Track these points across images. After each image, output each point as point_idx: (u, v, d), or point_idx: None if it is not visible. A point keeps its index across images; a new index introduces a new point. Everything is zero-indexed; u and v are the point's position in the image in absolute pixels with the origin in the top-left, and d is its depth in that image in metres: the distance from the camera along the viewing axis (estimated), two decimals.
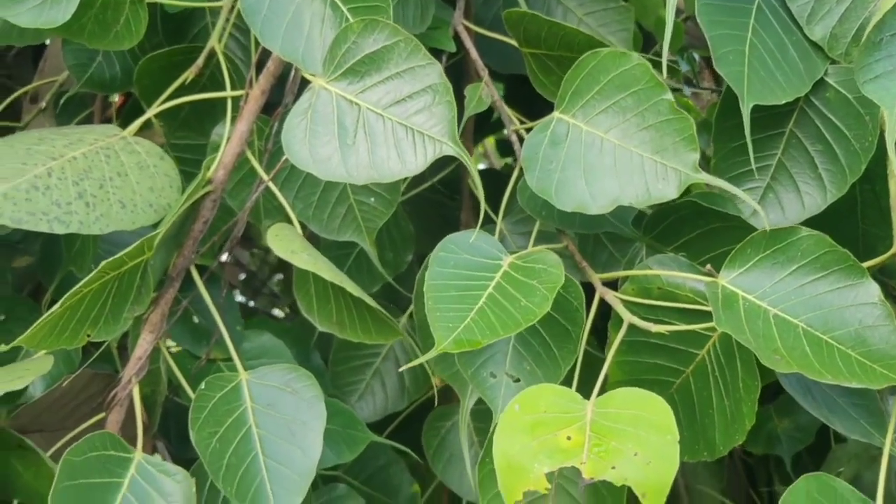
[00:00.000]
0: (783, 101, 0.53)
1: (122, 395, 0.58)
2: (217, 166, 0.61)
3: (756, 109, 0.53)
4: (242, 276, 1.58)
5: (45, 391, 0.62)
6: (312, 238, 0.65)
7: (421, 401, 0.85)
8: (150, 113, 0.63)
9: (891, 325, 0.46)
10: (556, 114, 0.55)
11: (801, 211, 0.56)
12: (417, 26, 0.64)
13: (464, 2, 0.69)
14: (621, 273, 0.57)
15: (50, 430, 0.63)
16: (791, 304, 0.47)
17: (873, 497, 0.45)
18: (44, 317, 0.46)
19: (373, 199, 0.65)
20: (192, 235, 0.60)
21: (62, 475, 0.48)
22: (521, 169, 0.63)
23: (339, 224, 0.65)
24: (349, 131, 0.51)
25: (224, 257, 0.69)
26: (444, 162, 0.87)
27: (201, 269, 0.64)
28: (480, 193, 0.52)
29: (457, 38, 0.68)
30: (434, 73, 0.50)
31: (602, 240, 0.67)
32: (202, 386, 0.55)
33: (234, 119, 0.63)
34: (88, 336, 0.51)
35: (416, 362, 0.48)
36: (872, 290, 0.47)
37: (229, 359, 0.69)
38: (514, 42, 0.65)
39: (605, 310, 0.56)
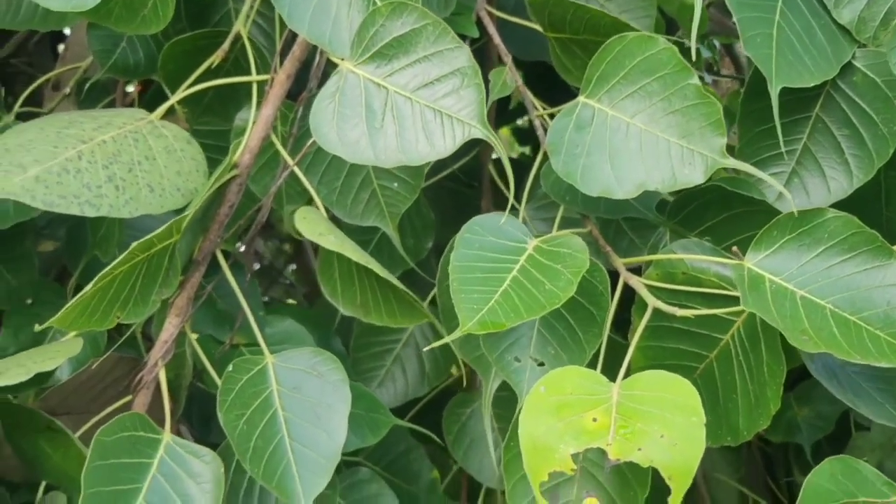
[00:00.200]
0: (811, 84, 0.53)
1: (149, 379, 0.58)
2: (243, 150, 0.61)
3: (782, 94, 0.53)
4: (257, 266, 1.58)
5: (71, 375, 0.63)
6: (335, 223, 0.65)
7: (440, 388, 0.86)
8: (177, 97, 0.63)
9: None
10: (581, 98, 0.55)
11: (826, 196, 0.56)
12: (441, 11, 0.64)
13: None
14: (645, 258, 0.57)
15: (77, 413, 0.64)
16: (818, 286, 0.47)
17: None
18: (76, 298, 0.47)
19: (396, 185, 0.65)
20: (218, 219, 0.61)
21: (94, 455, 0.48)
22: (544, 154, 0.63)
23: (362, 209, 0.66)
24: (377, 114, 0.51)
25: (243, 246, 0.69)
26: (464, 149, 0.87)
27: (224, 255, 0.64)
28: (510, 173, 0.52)
29: (479, 23, 0.68)
30: (462, 56, 0.50)
31: (623, 227, 0.67)
32: (230, 368, 0.55)
33: (259, 104, 0.63)
34: (118, 318, 0.52)
35: (440, 342, 0.49)
36: None
37: (252, 344, 0.70)
38: (537, 27, 0.65)
39: (626, 298, 0.56)
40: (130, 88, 0.87)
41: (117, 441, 0.50)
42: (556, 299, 0.48)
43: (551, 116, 0.58)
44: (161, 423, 0.54)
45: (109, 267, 0.48)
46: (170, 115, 0.64)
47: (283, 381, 0.55)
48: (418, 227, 0.80)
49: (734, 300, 0.52)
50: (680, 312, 0.52)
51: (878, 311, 0.46)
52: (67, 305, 0.47)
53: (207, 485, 0.51)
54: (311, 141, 0.61)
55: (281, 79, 0.62)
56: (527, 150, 1.23)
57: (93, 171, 0.51)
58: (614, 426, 0.43)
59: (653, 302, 0.53)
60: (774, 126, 0.55)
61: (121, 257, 0.48)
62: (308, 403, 0.55)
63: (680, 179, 0.51)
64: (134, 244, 0.48)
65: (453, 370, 1.00)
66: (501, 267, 0.51)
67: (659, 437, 0.42)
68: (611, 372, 0.49)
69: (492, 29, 0.68)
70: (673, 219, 0.60)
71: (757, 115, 0.58)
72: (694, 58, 0.53)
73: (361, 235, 0.79)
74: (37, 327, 0.46)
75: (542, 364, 0.53)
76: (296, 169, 0.62)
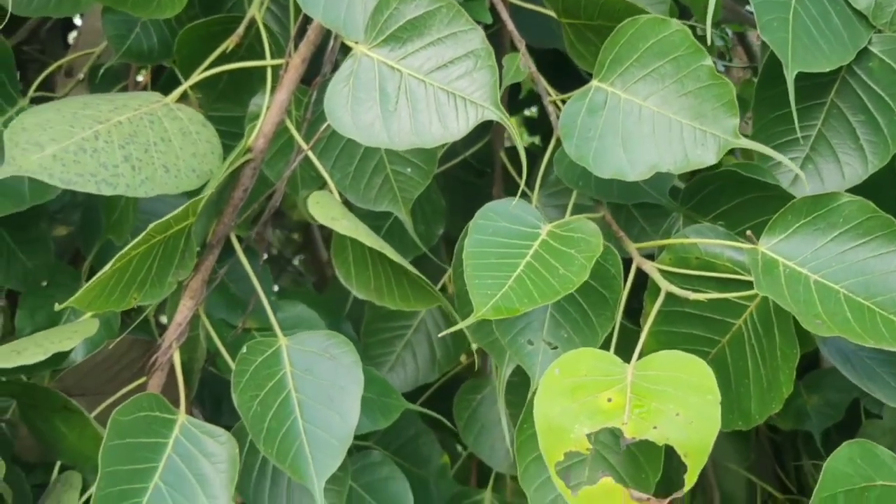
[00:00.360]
0: (827, 69, 0.53)
1: (163, 360, 0.59)
2: (257, 135, 0.61)
3: (797, 80, 0.53)
4: (265, 256, 1.59)
5: (86, 356, 0.64)
6: (348, 208, 0.66)
7: (450, 375, 0.86)
8: (192, 81, 0.63)
9: None
10: (594, 82, 0.55)
11: (840, 182, 0.56)
12: None
13: None
14: (658, 242, 0.57)
15: (92, 395, 0.65)
16: (832, 270, 0.47)
17: None
18: (94, 278, 0.47)
19: (409, 170, 0.65)
20: (232, 203, 0.61)
21: (111, 434, 0.49)
22: (557, 140, 0.63)
23: (375, 194, 0.66)
24: (391, 97, 0.51)
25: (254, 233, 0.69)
26: (476, 137, 0.88)
27: (238, 240, 0.64)
28: (523, 156, 0.52)
29: (493, 9, 0.68)
30: (476, 38, 0.50)
31: (634, 215, 0.67)
32: (244, 350, 0.56)
33: (273, 89, 0.63)
34: (135, 300, 0.52)
35: (454, 328, 0.49)
36: None
37: (264, 329, 0.70)
38: (550, 13, 0.65)
39: (637, 285, 0.57)
40: (140, 78, 0.87)
41: (133, 421, 0.50)
42: (570, 284, 0.48)
43: (564, 103, 0.58)
44: (175, 404, 0.54)
45: (127, 248, 0.48)
46: (184, 101, 0.65)
47: (296, 363, 0.56)
48: (429, 213, 0.80)
49: (747, 285, 0.52)
50: (693, 296, 0.52)
51: (893, 296, 0.46)
52: (86, 285, 0.47)
53: (222, 465, 0.51)
54: (325, 125, 0.61)
55: (296, 63, 0.62)
56: (536, 139, 1.23)
57: (109, 151, 0.51)
58: (629, 406, 0.43)
59: (666, 286, 0.54)
60: (789, 112, 0.55)
61: (138, 238, 0.48)
62: (321, 385, 0.55)
63: (692, 160, 0.51)
64: (151, 225, 0.49)
65: (462, 357, 1.01)
66: (515, 252, 0.51)
67: (674, 415, 0.42)
68: (623, 357, 0.50)
69: (505, 15, 0.67)
70: (686, 204, 0.60)
71: (771, 100, 0.58)
72: (709, 43, 0.53)
73: (373, 221, 0.79)
74: (56, 307, 0.46)
75: (555, 347, 0.53)
76: (310, 153, 0.62)
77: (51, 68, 0.82)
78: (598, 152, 0.53)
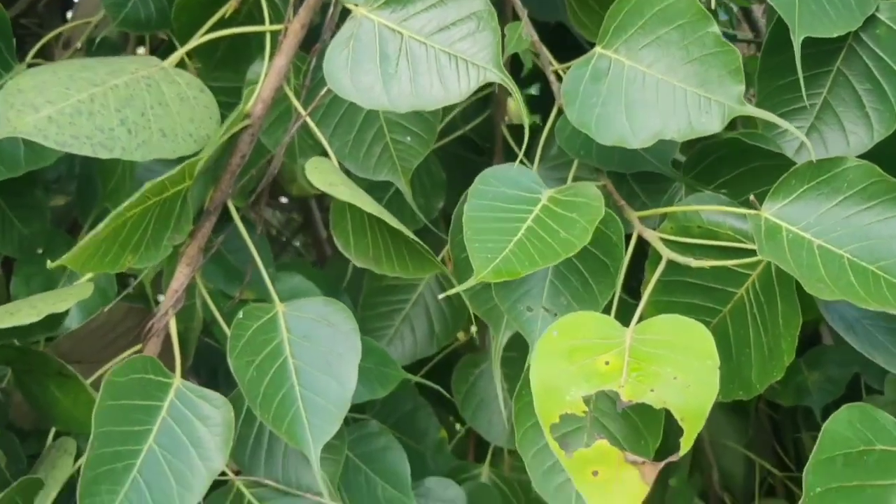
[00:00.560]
0: (834, 35, 0.52)
1: (159, 327, 0.58)
2: (255, 100, 0.60)
3: (802, 47, 0.52)
4: (260, 230, 1.58)
5: (81, 323, 0.63)
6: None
7: (448, 351, 0.86)
8: (189, 45, 0.63)
9: None
10: (597, 49, 0.54)
11: (845, 150, 0.55)
12: None
13: None
14: (660, 210, 0.57)
15: (87, 362, 0.64)
16: (836, 236, 0.47)
17: None
18: (87, 237, 0.47)
19: (409, 139, 0.65)
20: (230, 170, 0.60)
21: (105, 395, 0.48)
22: (558, 110, 0.62)
23: (374, 163, 0.65)
24: (391, 60, 0.51)
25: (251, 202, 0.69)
26: (476, 110, 0.87)
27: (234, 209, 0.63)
28: (525, 113, 0.51)
29: None
30: None
31: (635, 190, 0.67)
32: (240, 315, 0.55)
33: (272, 55, 0.62)
34: (130, 262, 0.51)
35: (453, 290, 0.48)
36: None
37: (261, 300, 0.70)
38: None
39: (638, 260, 0.56)
40: (141, 50, 0.87)
41: (128, 382, 0.50)
42: (572, 247, 0.48)
43: (566, 73, 0.57)
44: (171, 370, 0.54)
45: (121, 207, 0.47)
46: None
47: (293, 330, 0.55)
48: (428, 186, 0.80)
49: (750, 254, 0.51)
50: (695, 263, 0.52)
51: None
52: (79, 244, 0.46)
53: (217, 428, 0.51)
54: (324, 90, 0.61)
55: (295, 28, 0.61)
56: (538, 119, 1.22)
57: (105, 114, 0.50)
58: (627, 369, 0.43)
59: (667, 254, 0.53)
60: (793, 81, 0.54)
61: (133, 199, 0.48)
62: (319, 352, 0.55)
63: (696, 128, 0.50)
64: (146, 185, 0.48)
65: (461, 335, 1.01)
66: (516, 217, 0.50)
67: (672, 379, 0.42)
68: (623, 324, 0.49)
69: None
70: (688, 174, 0.59)
71: (776, 69, 0.57)
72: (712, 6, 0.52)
73: (372, 193, 0.79)
74: (49, 264, 0.46)
75: (554, 314, 0.53)
76: (308, 119, 0.61)
77: (48, 36, 0.81)
78: (601, 119, 0.53)
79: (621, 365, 0.43)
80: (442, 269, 0.59)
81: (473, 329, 0.98)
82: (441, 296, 0.48)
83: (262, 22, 0.65)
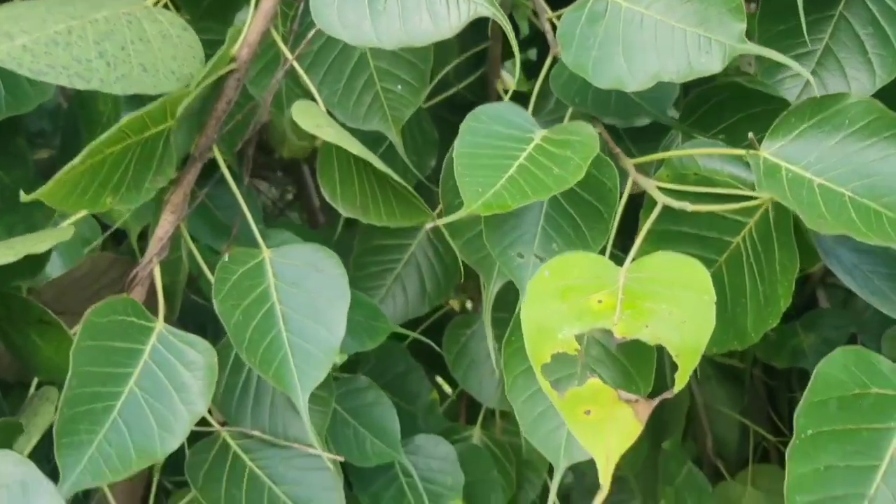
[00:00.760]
0: None
1: (143, 275, 0.57)
2: (242, 44, 0.59)
3: None
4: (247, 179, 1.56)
5: (63, 270, 0.62)
6: None
7: (441, 313, 0.85)
8: None
9: None
10: None
11: None
12: None
13: None
14: (656, 156, 0.55)
15: (71, 314, 0.63)
16: (837, 174, 0.46)
17: None
18: (64, 169, 0.45)
19: (400, 87, 0.63)
20: (215, 115, 0.59)
21: (84, 334, 0.47)
22: (553, 58, 0.61)
23: (364, 112, 0.64)
24: None
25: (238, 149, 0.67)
26: (470, 68, 0.85)
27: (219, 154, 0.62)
28: (515, 45, 0.50)
29: None
30: None
31: (629, 147, 0.65)
32: (225, 258, 0.54)
33: (258, 2, 0.61)
34: (110, 203, 0.50)
35: (444, 220, 0.47)
36: None
37: None
38: None
39: (631, 217, 0.55)
40: None
41: (108, 324, 0.48)
42: (565, 183, 0.47)
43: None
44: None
45: (99, 140, 0.46)
46: None
47: (280, 276, 0.54)
48: (420, 143, 0.78)
49: (748, 200, 0.50)
50: (691, 207, 0.50)
51: None
52: (55, 178, 0.45)
53: (200, 372, 0.50)
54: (312, 32, 0.59)
55: None
56: (532, 82, 1.20)
57: (83, 46, 0.49)
58: (620, 306, 0.42)
59: (662, 199, 0.52)
60: (795, 25, 0.53)
61: (111, 132, 0.46)
62: (307, 298, 0.53)
63: (696, 68, 0.49)
64: (124, 119, 0.47)
65: (455, 304, 0.99)
66: (508, 154, 0.49)
67: (667, 314, 0.41)
68: None
69: None
70: (685, 121, 0.58)
71: (777, 14, 0.56)
72: None
73: None
74: (23, 196, 0.44)
75: (545, 261, 0.52)
76: (295, 64, 0.60)
77: None
78: (598, 62, 0.51)
79: (615, 303, 0.42)
80: (430, 216, 0.57)
81: (469, 305, 0.97)
82: (429, 226, 0.46)
83: None
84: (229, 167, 0.63)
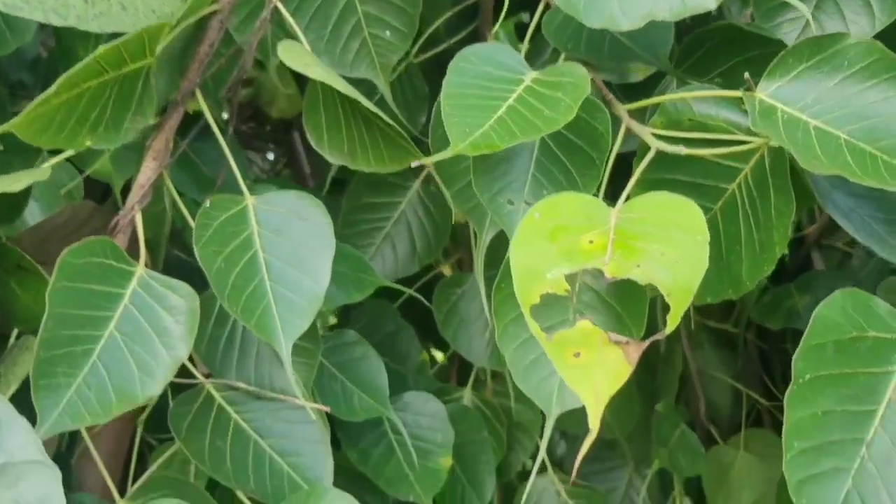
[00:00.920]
0: None
1: (125, 223, 0.56)
2: None
3: None
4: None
5: (42, 217, 0.60)
6: None
7: (430, 276, 0.84)
8: None
9: None
10: None
11: None
12: None
13: None
14: (650, 101, 0.54)
15: (51, 263, 0.61)
16: (834, 116, 0.44)
17: None
18: (39, 99, 0.43)
19: (388, 33, 0.62)
20: (198, 58, 0.57)
21: (60, 275, 0.46)
22: (545, 5, 0.59)
23: (352, 58, 0.62)
24: None
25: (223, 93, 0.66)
26: (462, 22, 0.84)
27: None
28: None
29: None
30: None
31: (620, 98, 0.64)
32: (206, 204, 0.52)
33: None
34: (88, 142, 0.49)
35: (432, 158, 0.46)
36: None
37: None
38: None
39: (624, 165, 0.53)
40: None
41: (86, 266, 0.47)
42: (555, 123, 0.45)
43: None
44: None
45: (73, 72, 0.44)
46: None
47: (264, 223, 0.53)
48: (411, 98, 0.77)
49: (743, 146, 0.49)
50: (685, 151, 0.49)
51: None
52: (28, 108, 0.43)
53: (182, 316, 0.48)
54: None
55: None
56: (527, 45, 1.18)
57: None
58: (612, 246, 0.40)
59: (655, 144, 0.51)
60: None
61: (86, 63, 0.45)
62: (290, 245, 0.52)
63: (690, 5, 0.47)
64: (99, 50, 0.45)
65: (446, 270, 0.98)
66: (497, 96, 0.47)
67: (659, 254, 0.40)
68: None
69: None
70: (680, 66, 0.56)
71: None
72: None
73: None
74: None
75: None
76: (280, 5, 0.58)
77: None
78: (590, 1, 0.50)
79: (606, 243, 0.41)
80: (419, 157, 0.56)
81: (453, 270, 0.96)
82: (417, 162, 0.44)
83: None
84: (214, 119, 0.61)
